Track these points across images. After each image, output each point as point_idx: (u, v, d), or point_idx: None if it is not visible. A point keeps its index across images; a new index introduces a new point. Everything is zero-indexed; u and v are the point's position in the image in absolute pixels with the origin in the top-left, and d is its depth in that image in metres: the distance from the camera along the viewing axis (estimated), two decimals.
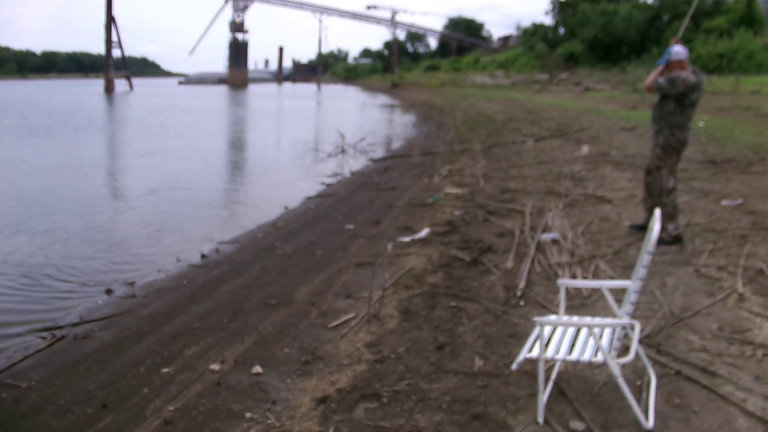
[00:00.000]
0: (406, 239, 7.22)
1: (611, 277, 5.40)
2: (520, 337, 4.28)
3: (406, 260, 6.38)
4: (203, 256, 7.45)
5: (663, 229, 6.18)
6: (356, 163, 15.36)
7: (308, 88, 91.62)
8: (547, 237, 6.70)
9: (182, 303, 5.66)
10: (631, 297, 2.84)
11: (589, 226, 7.28)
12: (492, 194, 9.65)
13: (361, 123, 27.54)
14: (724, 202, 7.98)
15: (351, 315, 4.95)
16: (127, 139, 22.59)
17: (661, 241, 6.05)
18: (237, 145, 22.40)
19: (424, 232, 7.34)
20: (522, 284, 5.33)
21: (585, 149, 13.83)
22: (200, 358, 4.34)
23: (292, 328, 4.80)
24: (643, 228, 6.64)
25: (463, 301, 5.08)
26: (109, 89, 66.80)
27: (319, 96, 64.17)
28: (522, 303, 4.96)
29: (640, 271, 2.79)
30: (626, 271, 5.58)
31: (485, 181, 10.87)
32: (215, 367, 4.15)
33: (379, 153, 17.36)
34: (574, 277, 5.49)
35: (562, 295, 3.53)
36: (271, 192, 12.13)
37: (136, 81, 76.53)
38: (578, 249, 6.34)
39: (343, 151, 17.36)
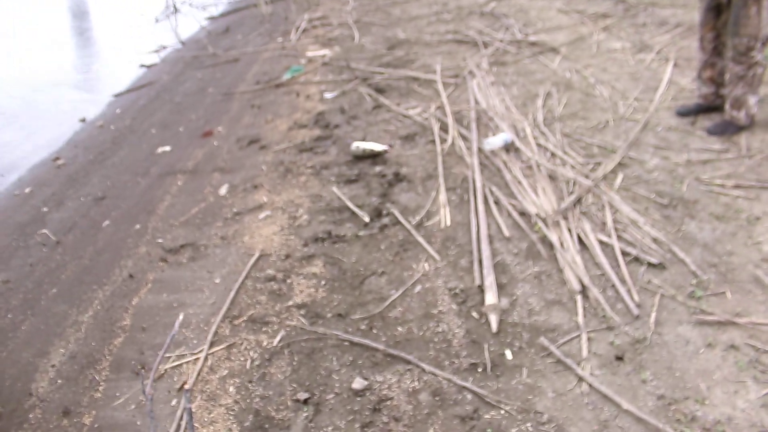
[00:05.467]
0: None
1: (655, 241, 2.73)
2: None
3: (252, 230, 3.47)
4: None
5: (737, 105, 3.67)
6: (191, 27, 11.52)
7: None
8: (494, 143, 3.85)
9: None
10: None
11: (546, 102, 4.53)
12: (375, 52, 6.61)
13: None
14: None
15: None
16: None
17: (729, 128, 3.70)
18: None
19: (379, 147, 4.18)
20: (490, 294, 2.59)
21: None
22: None
23: None
24: (701, 110, 3.98)
25: (375, 369, 2.32)
26: None
27: None
28: (509, 356, 2.25)
29: None
30: (663, 212, 2.96)
31: (361, 31, 7.73)
32: None
33: (222, 7, 13.43)
34: (581, 247, 2.78)
35: None
36: (70, 94, 8.39)
37: None
38: (555, 162, 3.63)
39: (175, 10, 13.30)
